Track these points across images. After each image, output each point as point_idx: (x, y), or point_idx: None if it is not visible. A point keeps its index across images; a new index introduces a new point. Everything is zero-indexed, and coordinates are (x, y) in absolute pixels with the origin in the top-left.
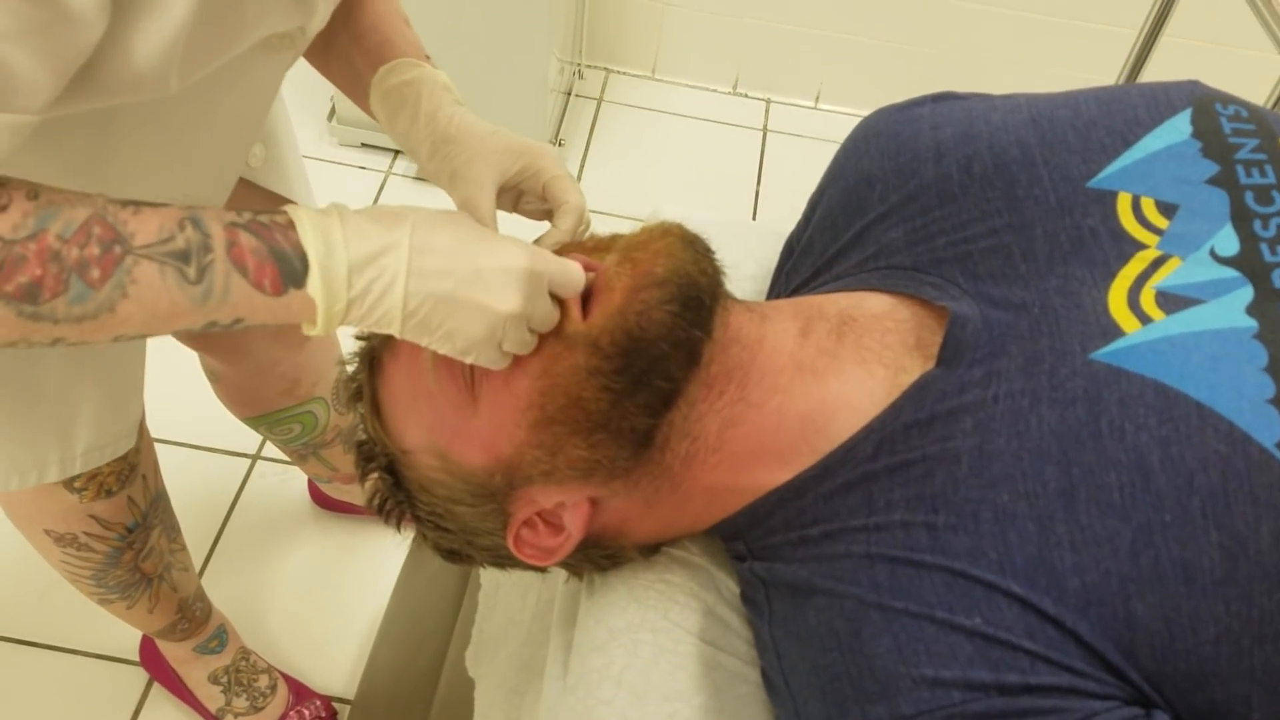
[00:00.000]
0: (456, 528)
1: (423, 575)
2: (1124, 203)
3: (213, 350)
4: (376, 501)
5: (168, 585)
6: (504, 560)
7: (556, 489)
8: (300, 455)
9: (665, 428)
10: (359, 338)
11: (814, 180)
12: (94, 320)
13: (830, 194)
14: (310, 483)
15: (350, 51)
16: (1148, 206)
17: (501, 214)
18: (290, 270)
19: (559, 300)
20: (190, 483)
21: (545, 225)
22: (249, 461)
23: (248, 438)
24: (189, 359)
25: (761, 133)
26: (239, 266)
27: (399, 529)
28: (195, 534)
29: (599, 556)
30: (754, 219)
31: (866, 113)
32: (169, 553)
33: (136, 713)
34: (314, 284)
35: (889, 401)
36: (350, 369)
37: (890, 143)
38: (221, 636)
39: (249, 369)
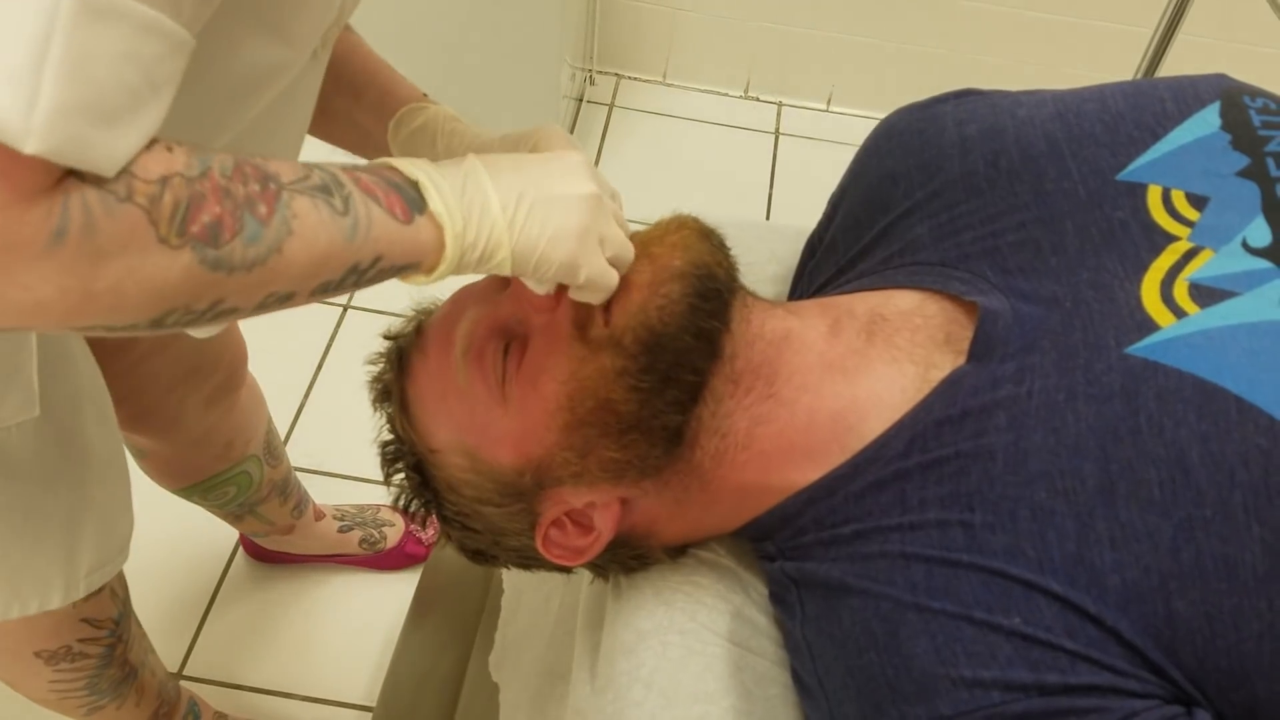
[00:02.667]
0: (484, 528)
1: (443, 580)
2: (1154, 195)
3: (145, 427)
4: (403, 501)
5: (148, 671)
6: (530, 561)
7: (587, 490)
8: (236, 516)
9: (695, 424)
10: (387, 337)
11: (827, 183)
12: (263, 266)
13: (853, 192)
14: (243, 538)
15: (352, 111)
16: (1178, 199)
17: None
18: (411, 197)
19: (585, 307)
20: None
21: None
22: None
23: None
24: None
25: (774, 136)
26: (371, 196)
27: (424, 528)
28: (208, 555)
29: (627, 557)
30: (768, 219)
31: (879, 115)
32: (141, 636)
33: None
34: (434, 203)
35: (920, 397)
36: (376, 369)
37: (913, 139)
38: (194, 710)
39: (181, 441)
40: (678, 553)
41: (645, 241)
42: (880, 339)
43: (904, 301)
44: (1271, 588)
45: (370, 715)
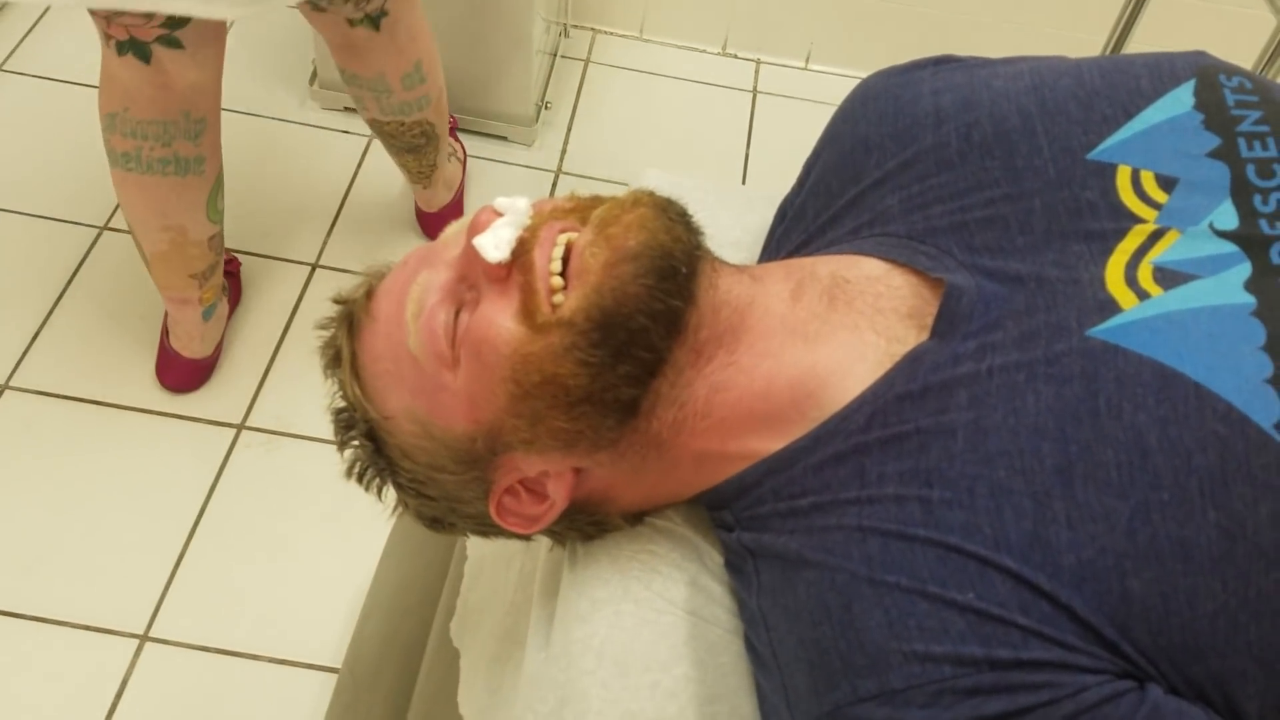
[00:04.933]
0: (439, 495)
1: (408, 547)
2: (1123, 176)
3: None
4: (357, 470)
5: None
6: (488, 529)
7: (539, 458)
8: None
9: (652, 396)
10: (336, 300)
11: (805, 142)
12: None
13: (826, 158)
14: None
15: None
16: (1147, 180)
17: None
18: None
19: (531, 291)
20: (178, 456)
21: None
22: (234, 431)
23: (230, 405)
24: None
25: (751, 94)
26: None
27: (380, 497)
28: (176, 512)
29: (584, 524)
30: (743, 183)
31: (858, 74)
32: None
33: (123, 684)
34: None
35: (882, 371)
36: (326, 333)
37: (889, 106)
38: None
39: None
40: (635, 520)
41: (601, 221)
42: (842, 303)
43: (870, 268)
44: (1226, 569)
45: (337, 677)
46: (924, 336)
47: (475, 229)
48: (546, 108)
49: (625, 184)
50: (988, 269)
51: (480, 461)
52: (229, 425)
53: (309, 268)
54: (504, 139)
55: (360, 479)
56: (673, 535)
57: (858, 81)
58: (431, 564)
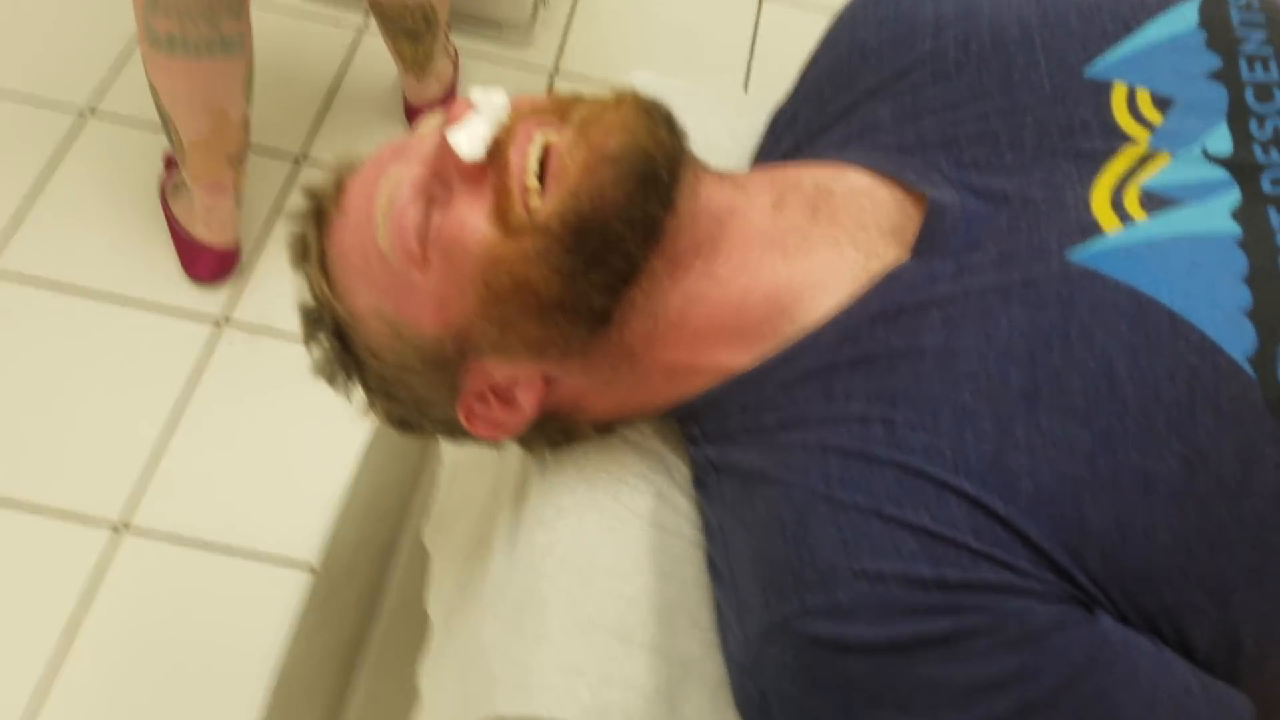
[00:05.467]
0: (407, 397)
1: (386, 449)
2: (1119, 94)
3: None
4: (325, 368)
5: None
6: (456, 433)
7: (509, 364)
8: None
9: (625, 305)
10: (306, 193)
11: (808, 53)
12: None
13: (821, 62)
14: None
15: None
16: (1143, 99)
17: None
18: None
19: (505, 192)
20: (160, 349)
21: None
22: (215, 326)
23: (212, 300)
24: None
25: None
26: None
27: (348, 397)
28: (158, 394)
29: (553, 431)
30: (745, 91)
31: None
32: None
33: (97, 573)
34: None
35: (859, 288)
36: (295, 227)
37: (890, 11)
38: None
39: None
40: (605, 430)
41: (582, 122)
42: (824, 215)
43: (855, 180)
44: (1185, 501)
45: (313, 574)
46: (905, 254)
47: (449, 122)
48: (544, 5)
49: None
50: (974, 186)
51: (449, 365)
52: (211, 320)
53: (293, 161)
54: (498, 38)
55: (328, 377)
56: (641, 448)
57: None
58: (409, 467)
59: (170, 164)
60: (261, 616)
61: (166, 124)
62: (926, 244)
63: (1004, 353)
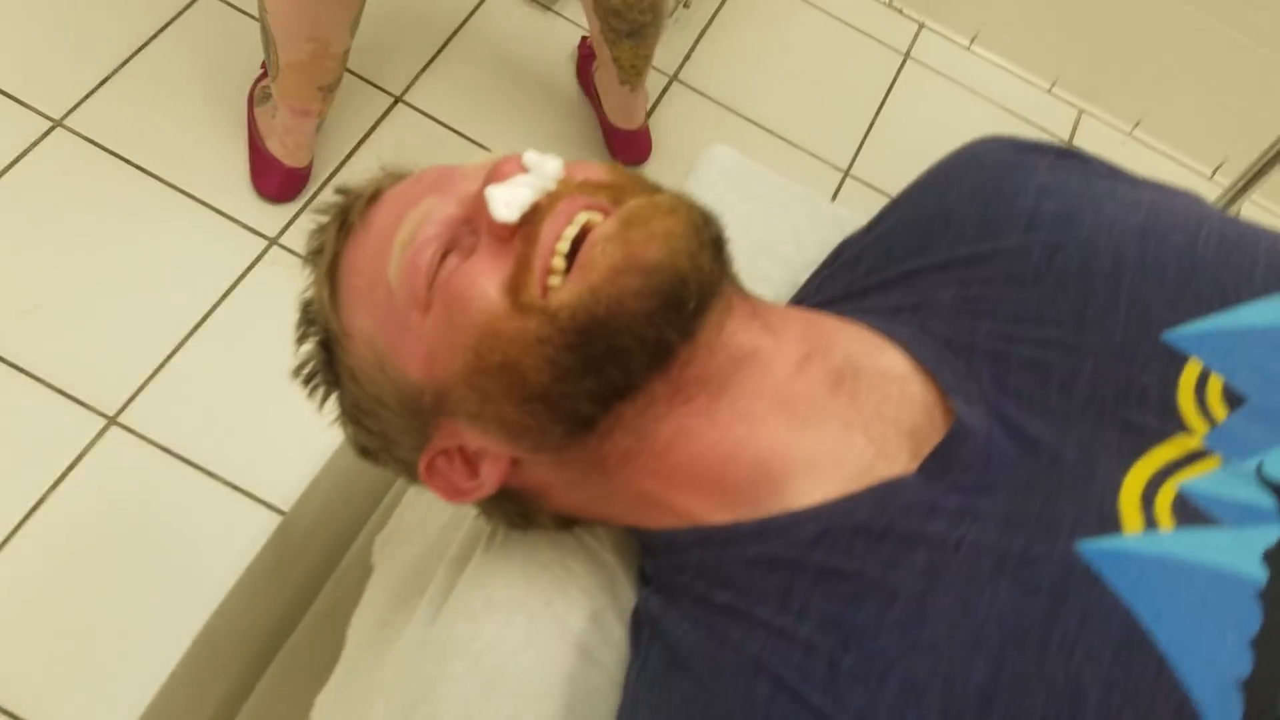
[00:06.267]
0: (376, 429)
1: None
2: (1190, 373)
3: None
4: (305, 372)
5: None
6: (415, 479)
7: (481, 435)
8: None
9: (612, 417)
10: (340, 191)
11: (937, 127)
12: None
13: (903, 212)
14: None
15: None
16: (1214, 388)
17: None
18: None
19: (526, 265)
20: (204, 250)
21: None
22: (265, 244)
23: (268, 216)
24: None
25: (903, 57)
26: None
27: (320, 408)
28: (190, 295)
29: (512, 511)
30: (859, 148)
31: (1022, 73)
32: None
33: (78, 458)
34: None
35: (856, 485)
36: (318, 223)
37: (988, 185)
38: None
39: None
40: (564, 525)
41: (628, 217)
42: (846, 392)
43: (890, 362)
44: None
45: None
46: (914, 463)
47: (494, 176)
48: (686, 6)
49: (736, 111)
50: (1008, 418)
51: (424, 414)
52: (263, 236)
53: (392, 99)
54: None
55: (304, 381)
56: (595, 559)
57: (965, 145)
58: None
59: (263, 75)
60: (221, 546)
61: (267, 40)
62: (939, 465)
63: (975, 636)
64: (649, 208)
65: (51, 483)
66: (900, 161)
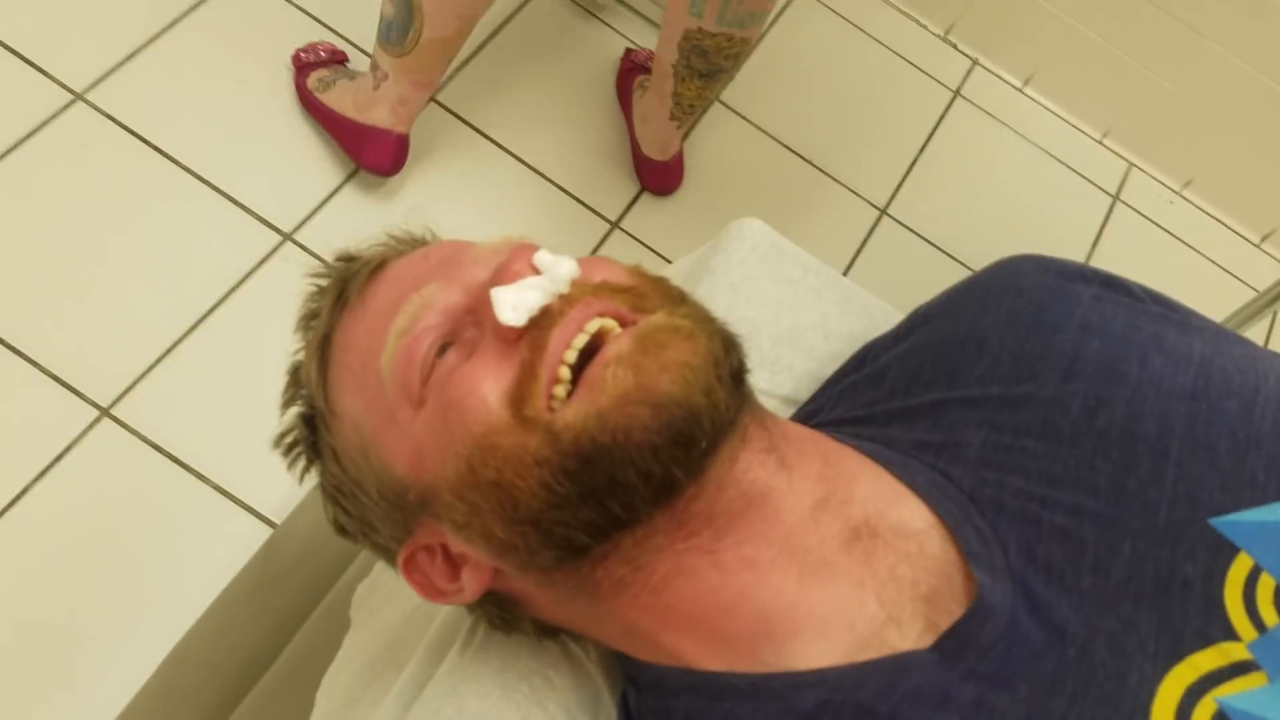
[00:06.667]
0: (355, 512)
1: None
2: (1240, 568)
3: None
4: (287, 441)
5: None
6: (392, 565)
7: (465, 543)
8: None
9: (608, 546)
10: (342, 258)
11: (980, 170)
12: None
13: (935, 327)
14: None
15: None
16: (1265, 588)
17: None
18: None
19: (532, 374)
20: (216, 240)
21: None
22: (279, 239)
23: (286, 210)
24: None
25: (953, 94)
26: None
27: (300, 480)
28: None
29: (493, 614)
30: (899, 186)
31: (1073, 119)
32: None
33: (68, 448)
34: None
35: (863, 655)
36: (316, 286)
37: (1026, 314)
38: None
39: None
40: (547, 634)
41: (645, 337)
42: (860, 551)
43: (911, 517)
44: None
45: (271, 532)
46: (929, 637)
47: (502, 277)
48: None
49: (774, 136)
50: (1036, 596)
51: (408, 510)
52: (278, 231)
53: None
54: None
55: (283, 452)
56: (580, 672)
57: (1007, 260)
58: None
59: (304, 66)
60: (206, 553)
61: (410, 15)
62: (954, 645)
63: None
64: (667, 331)
65: (37, 473)
66: (940, 204)
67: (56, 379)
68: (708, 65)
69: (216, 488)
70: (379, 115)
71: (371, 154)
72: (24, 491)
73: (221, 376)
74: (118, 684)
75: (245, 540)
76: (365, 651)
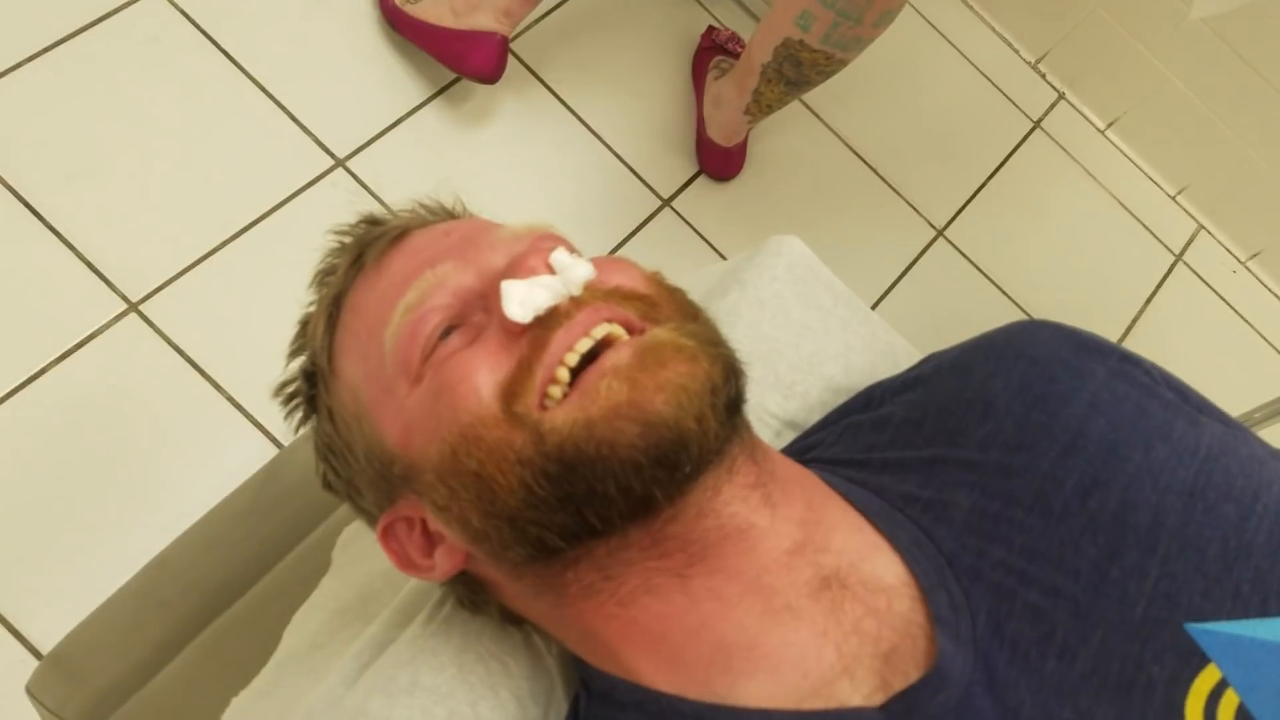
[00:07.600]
0: (344, 474)
1: None
2: (1206, 679)
3: None
4: (287, 391)
5: None
6: (373, 529)
7: (443, 524)
8: None
9: (581, 551)
10: (368, 220)
11: (1045, 206)
12: None
13: (943, 381)
14: None
15: None
16: (1227, 705)
17: None
18: None
19: (528, 370)
20: (269, 154)
21: None
22: (331, 163)
23: (342, 136)
24: None
25: (1032, 125)
26: None
27: (295, 432)
28: (241, 199)
29: (463, 592)
30: (960, 210)
31: (1149, 169)
32: None
33: (89, 337)
34: None
35: (814, 704)
36: (338, 243)
37: (1036, 383)
38: None
39: None
40: (513, 620)
41: (644, 353)
42: (828, 600)
43: (884, 572)
44: None
45: (274, 454)
46: (880, 696)
47: (514, 269)
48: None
49: (843, 139)
50: (995, 674)
51: (392, 481)
52: (331, 155)
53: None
54: None
55: (283, 402)
56: (537, 664)
57: (1027, 322)
58: None
59: None
60: (210, 462)
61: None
62: (903, 709)
63: None
64: (670, 348)
65: (58, 355)
66: (999, 235)
67: (91, 265)
68: (798, 75)
69: (231, 400)
70: (482, 20)
71: (476, 58)
72: (41, 372)
73: (251, 290)
74: (100, 577)
75: (251, 456)
76: (338, 598)
